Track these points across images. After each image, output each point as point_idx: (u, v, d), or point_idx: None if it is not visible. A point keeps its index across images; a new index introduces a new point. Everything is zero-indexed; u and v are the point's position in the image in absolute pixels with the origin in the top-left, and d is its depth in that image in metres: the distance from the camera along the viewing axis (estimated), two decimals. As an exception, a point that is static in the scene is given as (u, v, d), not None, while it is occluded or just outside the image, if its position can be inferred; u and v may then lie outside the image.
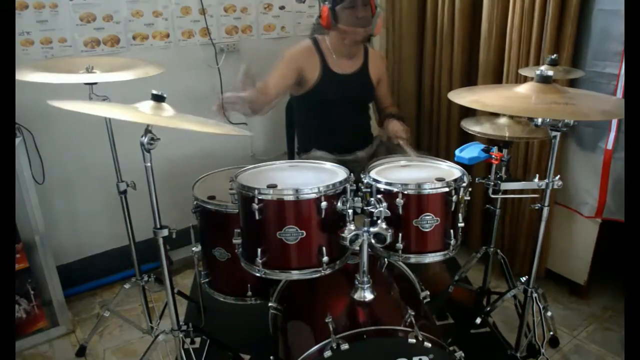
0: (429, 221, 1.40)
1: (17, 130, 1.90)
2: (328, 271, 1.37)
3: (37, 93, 1.66)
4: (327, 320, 1.30)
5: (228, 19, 2.45)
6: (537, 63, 1.94)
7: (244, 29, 2.51)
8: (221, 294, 1.72)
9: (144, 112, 1.25)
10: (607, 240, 2.08)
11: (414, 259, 1.45)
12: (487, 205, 1.91)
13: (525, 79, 1.88)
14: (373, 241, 1.36)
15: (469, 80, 2.32)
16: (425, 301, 1.59)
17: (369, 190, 1.45)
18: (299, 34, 2.64)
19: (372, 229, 1.35)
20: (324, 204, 1.30)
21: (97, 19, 2.12)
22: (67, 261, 2.28)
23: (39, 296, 2.01)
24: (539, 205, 1.51)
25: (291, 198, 1.30)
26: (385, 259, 1.63)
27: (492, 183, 1.58)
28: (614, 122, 1.84)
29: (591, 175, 1.98)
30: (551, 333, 1.95)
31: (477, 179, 1.60)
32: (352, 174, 1.42)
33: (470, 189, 1.47)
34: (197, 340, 1.91)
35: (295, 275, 1.37)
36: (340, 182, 1.35)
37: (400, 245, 1.42)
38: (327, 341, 1.25)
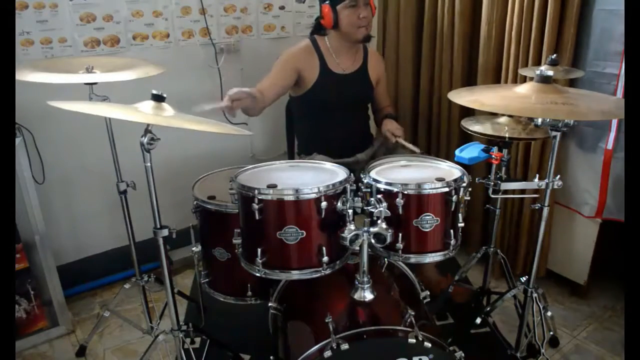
0: (429, 221, 1.40)
1: (17, 130, 1.90)
2: (328, 271, 1.37)
3: (37, 93, 1.66)
4: (327, 320, 1.31)
5: (228, 19, 2.45)
6: (537, 63, 1.94)
7: (244, 29, 2.51)
8: (221, 294, 1.72)
9: (144, 112, 1.25)
10: (607, 240, 2.08)
11: (414, 259, 1.45)
12: (487, 205, 1.91)
13: (525, 79, 1.89)
14: (373, 241, 1.36)
15: (470, 80, 2.32)
16: (425, 301, 1.59)
17: (369, 190, 1.45)
18: (299, 34, 2.64)
19: (372, 229, 1.35)
20: (324, 204, 1.30)
21: (97, 19, 2.12)
22: (67, 261, 2.28)
23: (39, 296, 2.01)
24: (538, 205, 1.51)
25: (291, 198, 1.30)
26: (385, 259, 1.63)
27: (492, 183, 1.58)
28: (614, 122, 1.84)
29: (591, 175, 1.98)
30: (551, 333, 1.95)
31: (477, 179, 1.60)
32: (352, 174, 1.42)
33: (470, 189, 1.47)
34: (197, 340, 1.91)
35: (295, 275, 1.37)
36: (340, 182, 1.35)
37: (400, 245, 1.42)
38: (327, 341, 1.25)
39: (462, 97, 1.43)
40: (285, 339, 1.51)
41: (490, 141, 1.71)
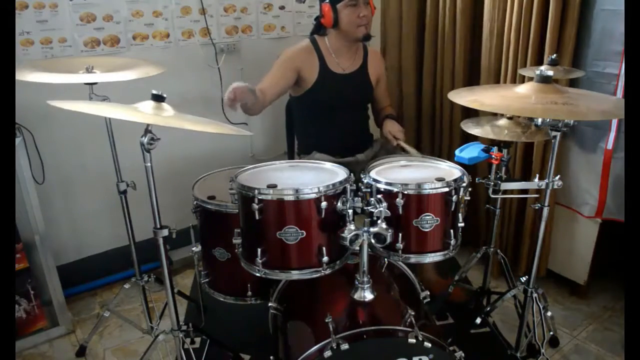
0: (429, 221, 1.40)
1: (17, 130, 1.90)
2: (328, 271, 1.37)
3: (37, 93, 1.66)
4: (327, 320, 1.31)
5: (228, 19, 2.45)
6: (538, 63, 1.94)
7: (244, 29, 2.51)
8: (221, 294, 1.72)
9: (144, 112, 1.25)
10: (607, 240, 2.08)
11: (414, 259, 1.45)
12: (487, 205, 1.91)
13: (525, 80, 1.89)
14: (373, 241, 1.36)
15: (471, 80, 2.32)
16: (425, 301, 1.59)
17: (369, 190, 1.45)
18: (299, 34, 2.64)
19: (372, 229, 1.35)
20: (324, 204, 1.30)
21: (97, 19, 2.12)
22: (67, 261, 2.28)
23: (39, 296, 2.01)
24: (539, 205, 1.51)
25: (291, 198, 1.30)
26: (385, 259, 1.63)
27: (492, 183, 1.58)
28: (614, 122, 1.84)
29: (591, 175, 1.98)
30: (551, 333, 1.95)
31: (477, 179, 1.60)
32: (352, 174, 1.42)
33: (470, 189, 1.47)
34: (197, 340, 1.91)
35: (295, 275, 1.37)
36: (340, 182, 1.35)
37: (400, 245, 1.42)
38: (327, 341, 1.25)
39: (462, 97, 1.43)
40: (285, 339, 1.51)
41: (491, 141, 1.71)
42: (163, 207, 1.37)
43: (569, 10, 1.84)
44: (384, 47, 2.68)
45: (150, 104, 1.28)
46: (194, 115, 1.38)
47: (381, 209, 1.37)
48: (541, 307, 1.67)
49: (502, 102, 1.36)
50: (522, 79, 1.97)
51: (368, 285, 1.43)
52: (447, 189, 1.40)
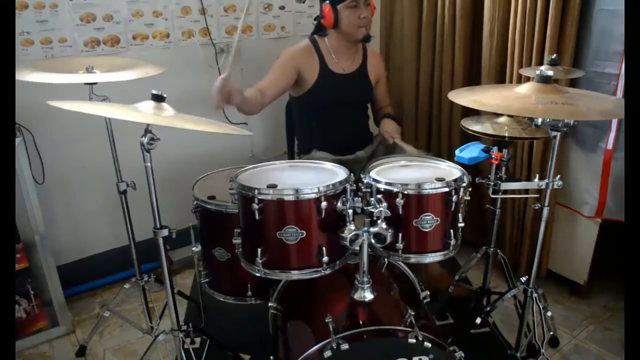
0: (429, 221, 1.40)
1: (17, 130, 1.90)
2: (328, 271, 1.37)
3: (37, 93, 1.66)
4: (327, 320, 1.31)
5: (228, 19, 2.45)
6: (539, 63, 1.94)
7: (244, 29, 2.51)
8: (221, 294, 1.72)
9: (144, 112, 1.25)
10: (607, 240, 2.08)
11: (414, 259, 1.45)
12: (487, 205, 1.91)
13: (528, 79, 1.89)
14: (373, 241, 1.36)
15: (471, 80, 2.32)
16: (425, 301, 1.59)
17: (369, 190, 1.45)
18: (299, 34, 2.64)
19: (372, 229, 1.35)
20: (324, 204, 1.30)
21: (97, 19, 2.12)
22: (67, 261, 2.28)
23: (39, 296, 2.00)
24: (539, 205, 1.51)
25: (291, 198, 1.30)
26: (385, 259, 1.63)
27: (492, 183, 1.58)
28: (614, 122, 1.84)
29: (591, 175, 1.98)
30: (551, 333, 1.95)
31: (477, 179, 1.60)
32: (352, 174, 1.42)
33: (470, 189, 1.47)
34: (197, 340, 1.91)
35: (295, 275, 1.37)
36: (340, 182, 1.35)
37: (400, 245, 1.42)
38: (327, 341, 1.25)
39: (462, 97, 1.43)
40: (285, 339, 1.51)
41: (492, 138, 1.71)
42: (163, 207, 1.38)
43: (569, 10, 1.84)
44: (384, 48, 2.68)
45: (150, 104, 1.28)
46: (194, 115, 1.39)
47: (381, 209, 1.37)
48: (541, 307, 1.67)
49: (502, 102, 1.36)
50: (527, 79, 1.97)
51: (368, 285, 1.43)
52: (447, 189, 1.40)
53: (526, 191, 2.02)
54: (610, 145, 1.87)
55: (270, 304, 1.60)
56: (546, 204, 1.50)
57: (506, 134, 1.65)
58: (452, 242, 1.44)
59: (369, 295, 1.43)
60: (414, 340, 1.23)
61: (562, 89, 1.39)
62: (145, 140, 1.26)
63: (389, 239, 1.35)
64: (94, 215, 2.32)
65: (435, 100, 2.50)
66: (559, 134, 1.38)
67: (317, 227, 1.33)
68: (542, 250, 2.14)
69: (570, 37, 1.86)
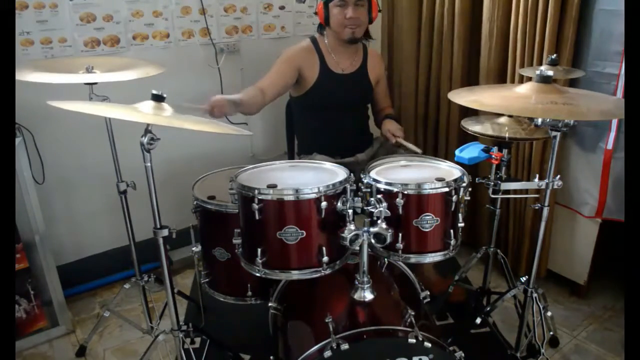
0: (429, 221, 1.40)
1: (17, 130, 1.90)
2: (328, 271, 1.37)
3: (37, 93, 1.66)
4: (327, 320, 1.31)
5: (228, 19, 2.45)
6: (539, 63, 1.94)
7: (244, 29, 2.51)
8: (221, 294, 1.72)
9: (144, 112, 1.25)
10: (607, 240, 2.08)
11: (414, 259, 1.45)
12: (487, 205, 1.91)
13: (529, 79, 1.89)
14: (373, 241, 1.36)
15: (469, 80, 2.32)
16: (425, 301, 1.59)
17: (369, 190, 1.45)
18: (299, 34, 2.64)
19: (372, 229, 1.35)
20: (324, 204, 1.30)
21: (97, 19, 2.12)
22: (67, 261, 2.28)
23: (39, 296, 2.00)
24: (539, 205, 1.51)
25: (291, 198, 1.30)
26: (385, 259, 1.63)
27: (492, 183, 1.58)
28: (614, 122, 1.84)
29: (591, 175, 1.98)
30: (551, 333, 1.95)
31: (477, 179, 1.60)
32: (352, 174, 1.42)
33: (470, 189, 1.47)
34: (197, 340, 1.91)
35: (295, 275, 1.37)
36: (340, 182, 1.35)
37: (400, 245, 1.42)
38: (327, 341, 1.25)
39: (462, 97, 1.43)
40: (285, 339, 1.51)
41: (492, 138, 1.71)
42: (163, 207, 1.37)
43: (568, 10, 1.84)
44: (385, 48, 2.68)
45: (150, 104, 1.28)
46: (194, 115, 1.39)
47: (381, 209, 1.37)
48: (541, 307, 1.67)
49: (502, 102, 1.36)
50: (527, 80, 1.97)
51: (368, 285, 1.43)
52: (447, 189, 1.40)
53: (526, 191, 2.02)
54: (610, 145, 1.87)
55: (270, 304, 1.60)
56: (546, 204, 1.50)
57: (506, 135, 1.64)
58: (452, 242, 1.44)
59: (369, 295, 1.43)
60: (414, 340, 1.23)
61: (562, 89, 1.39)
62: (145, 140, 1.26)
63: (389, 239, 1.35)
64: (94, 215, 2.32)
65: (433, 100, 2.50)
66: (559, 134, 1.38)
67: (317, 227, 1.33)
68: (542, 250, 2.15)
69: (570, 37, 1.86)
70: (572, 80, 1.89)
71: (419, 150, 1.90)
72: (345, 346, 1.22)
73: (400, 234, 1.41)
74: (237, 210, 1.43)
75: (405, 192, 1.38)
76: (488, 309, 1.81)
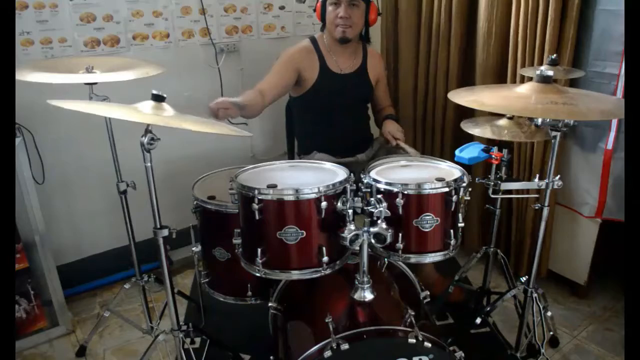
0: (429, 221, 1.40)
1: (17, 130, 1.90)
2: (328, 271, 1.37)
3: (37, 93, 1.66)
4: (327, 320, 1.31)
5: (228, 19, 2.45)
6: (539, 63, 1.94)
7: (244, 29, 2.51)
8: (221, 294, 1.72)
9: (144, 112, 1.25)
10: (607, 240, 2.08)
11: (414, 259, 1.45)
12: (487, 205, 1.91)
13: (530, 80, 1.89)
14: (373, 241, 1.36)
15: (466, 80, 2.33)
16: (425, 301, 1.59)
17: (369, 190, 1.45)
18: (299, 34, 2.64)
19: (372, 229, 1.35)
20: (324, 204, 1.30)
21: (97, 19, 2.12)
22: (67, 261, 2.28)
23: (39, 296, 2.00)
24: (539, 205, 1.51)
25: (291, 198, 1.30)
26: (385, 259, 1.63)
27: (492, 183, 1.58)
28: (614, 122, 1.84)
29: (591, 175, 1.98)
30: (551, 333, 1.95)
31: (477, 178, 1.60)
32: (352, 174, 1.42)
33: (470, 189, 1.47)
34: (197, 340, 1.91)
35: (295, 275, 1.37)
36: (340, 182, 1.35)
37: (400, 245, 1.42)
38: (327, 341, 1.25)
39: (462, 97, 1.43)
40: (285, 339, 1.51)
41: (490, 141, 1.71)
42: (163, 207, 1.37)
43: (568, 10, 1.84)
44: (384, 48, 2.68)
45: (150, 104, 1.28)
46: (194, 115, 1.38)
47: (381, 209, 1.37)
48: (541, 307, 1.67)
49: (502, 102, 1.36)
50: (525, 80, 1.97)
51: (368, 285, 1.43)
52: (447, 189, 1.40)
53: (527, 191, 2.02)
54: (610, 145, 1.87)
55: (270, 304, 1.60)
56: (546, 204, 1.50)
57: (506, 138, 1.64)
58: (452, 242, 1.44)
59: (369, 295, 1.43)
60: (414, 340, 1.23)
61: (562, 89, 1.39)
62: (145, 140, 1.26)
63: (389, 239, 1.35)
64: (94, 215, 2.32)
65: (429, 100, 2.50)
66: (559, 134, 1.38)
67: (317, 227, 1.33)
68: (542, 250, 2.15)
69: (571, 37, 1.86)
70: (572, 80, 1.89)
71: (417, 154, 1.89)
72: (345, 346, 1.22)
73: (400, 234, 1.41)
74: (237, 210, 1.43)
75: (405, 192, 1.38)
76: (488, 309, 1.81)
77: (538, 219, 1.54)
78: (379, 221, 1.37)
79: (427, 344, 1.24)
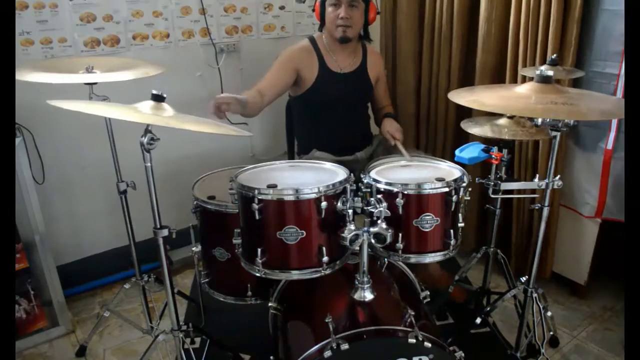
0: (429, 221, 1.40)
1: (17, 130, 1.90)
2: (328, 271, 1.37)
3: (37, 93, 1.66)
4: (327, 320, 1.30)
5: (228, 19, 2.45)
6: (542, 63, 1.94)
7: (244, 29, 2.51)
8: (221, 294, 1.72)
9: (143, 112, 1.25)
10: (607, 240, 2.08)
11: (414, 259, 1.45)
12: (487, 205, 1.91)
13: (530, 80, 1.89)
14: (373, 241, 1.36)
15: (468, 80, 2.32)
16: (425, 301, 1.59)
17: (369, 190, 1.45)
18: (299, 34, 2.64)
19: (372, 229, 1.35)
20: (324, 204, 1.30)
21: (97, 19, 2.12)
22: (67, 261, 2.28)
23: (39, 296, 2.00)
24: (538, 205, 1.51)
25: (291, 198, 1.30)
26: (385, 259, 1.63)
27: (492, 183, 1.58)
28: (614, 122, 1.84)
29: (591, 175, 1.98)
30: (551, 333, 1.95)
31: (477, 178, 1.60)
32: (352, 174, 1.42)
33: (470, 189, 1.47)
34: (197, 340, 1.91)
35: (295, 275, 1.37)
36: (340, 182, 1.35)
37: (400, 245, 1.42)
38: (327, 341, 1.25)
39: (462, 97, 1.43)
40: (285, 339, 1.51)
41: (488, 141, 1.70)
42: (163, 207, 1.38)
43: (570, 10, 1.84)
44: (384, 47, 2.68)
45: (150, 104, 1.28)
46: (194, 115, 1.38)
47: (381, 209, 1.37)
48: (541, 307, 1.67)
49: (503, 102, 1.36)
50: (527, 80, 1.97)
51: (368, 285, 1.43)
52: (447, 189, 1.40)
53: (532, 191, 2.01)
54: (610, 145, 1.87)
55: (270, 304, 1.60)
56: (546, 204, 1.50)
57: (506, 137, 1.64)
58: (452, 242, 1.44)
59: (369, 295, 1.43)
60: (414, 340, 1.23)
61: (562, 89, 1.39)
62: (145, 140, 1.26)
63: (389, 239, 1.35)
64: (94, 215, 2.32)
65: (431, 100, 2.50)
66: (559, 134, 1.38)
67: (317, 227, 1.33)
68: (546, 252, 2.15)
69: (573, 37, 1.86)
70: (573, 80, 1.89)
71: (410, 157, 1.87)
72: (345, 346, 1.22)
73: (400, 234, 1.41)
74: (237, 210, 1.43)
75: (405, 192, 1.38)
76: (488, 309, 1.81)
77: (538, 219, 1.53)
78: (379, 221, 1.37)
79: (427, 344, 1.24)
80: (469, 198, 1.48)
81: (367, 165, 1.61)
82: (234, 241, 1.45)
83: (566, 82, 1.85)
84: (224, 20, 2.44)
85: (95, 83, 1.65)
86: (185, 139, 2.34)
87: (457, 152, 1.66)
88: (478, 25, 2.17)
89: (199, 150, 2.46)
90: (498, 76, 2.15)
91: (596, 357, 1.92)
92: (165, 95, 1.29)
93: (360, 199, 1.41)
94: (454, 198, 1.41)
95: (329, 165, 1.53)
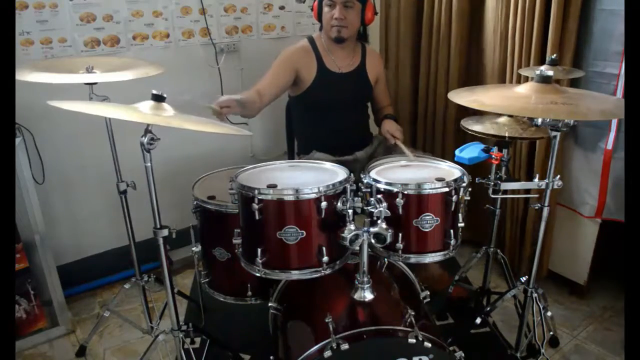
0: (429, 221, 1.40)
1: (17, 130, 1.90)
2: (328, 271, 1.37)
3: (37, 93, 1.66)
4: (327, 320, 1.31)
5: (228, 19, 2.45)
6: (541, 63, 1.94)
7: (244, 29, 2.51)
8: (221, 294, 1.72)
9: (144, 112, 1.25)
10: (607, 240, 2.08)
11: (414, 259, 1.45)
12: (487, 205, 1.91)
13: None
14: (373, 241, 1.36)
15: (466, 80, 2.32)
16: (425, 301, 1.59)
17: (369, 190, 1.45)
18: (299, 34, 2.64)
19: (372, 229, 1.35)
20: (324, 204, 1.30)
21: (97, 19, 2.12)
22: (67, 261, 2.28)
23: (39, 296, 2.00)
24: (538, 205, 1.51)
25: (291, 198, 1.30)
26: (385, 259, 1.63)
27: (492, 183, 1.58)
28: (614, 122, 1.84)
29: (591, 175, 1.98)
30: (551, 333, 1.95)
31: (477, 178, 1.60)
32: (352, 174, 1.42)
33: (470, 189, 1.47)
34: (197, 340, 1.91)
35: (295, 275, 1.37)
36: (340, 182, 1.35)
37: (400, 245, 1.42)
38: (327, 341, 1.25)
39: (462, 97, 1.43)
40: (285, 339, 1.51)
41: (488, 141, 1.70)
42: (163, 207, 1.38)
43: (570, 10, 1.84)
44: (383, 47, 2.68)
45: (150, 104, 1.28)
46: (194, 115, 1.38)
47: (381, 209, 1.37)
48: (541, 307, 1.67)
49: (502, 102, 1.36)
50: (525, 80, 1.97)
51: (368, 285, 1.43)
52: (447, 189, 1.40)
53: (528, 191, 2.01)
54: (610, 145, 1.87)
55: (270, 304, 1.60)
56: (546, 204, 1.50)
57: (506, 134, 1.64)
58: (452, 242, 1.44)
59: (369, 295, 1.43)
60: (414, 340, 1.23)
61: (562, 89, 1.39)
62: (145, 140, 1.26)
63: (389, 239, 1.35)
64: (94, 215, 2.32)
65: (429, 100, 2.50)
66: (559, 134, 1.38)
67: (317, 227, 1.33)
68: (543, 251, 2.15)
69: (572, 37, 1.86)
70: (572, 80, 1.89)
71: (412, 156, 1.88)
72: (345, 346, 1.22)
73: (400, 234, 1.41)
74: (237, 210, 1.43)
75: (405, 192, 1.38)
76: (488, 309, 1.81)
77: (538, 219, 1.53)
78: (379, 221, 1.37)
79: (427, 344, 1.24)
80: (468, 198, 1.48)
81: (367, 165, 1.61)
82: (234, 241, 1.45)
83: (565, 82, 1.85)
84: (224, 20, 2.44)
85: (95, 83, 1.65)
86: (185, 139, 2.34)
87: (457, 152, 1.66)
88: (477, 25, 2.17)
89: (199, 150, 2.46)
90: (501, 77, 2.15)
91: (596, 357, 1.92)
92: (165, 95, 1.29)
93: (360, 199, 1.41)
94: (454, 198, 1.41)
95: (329, 165, 1.53)
